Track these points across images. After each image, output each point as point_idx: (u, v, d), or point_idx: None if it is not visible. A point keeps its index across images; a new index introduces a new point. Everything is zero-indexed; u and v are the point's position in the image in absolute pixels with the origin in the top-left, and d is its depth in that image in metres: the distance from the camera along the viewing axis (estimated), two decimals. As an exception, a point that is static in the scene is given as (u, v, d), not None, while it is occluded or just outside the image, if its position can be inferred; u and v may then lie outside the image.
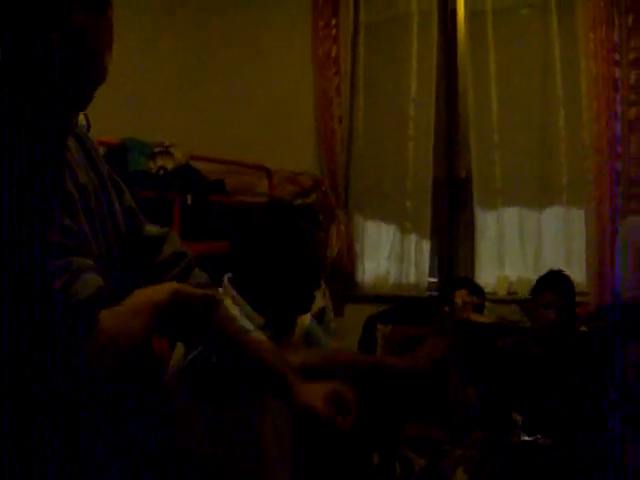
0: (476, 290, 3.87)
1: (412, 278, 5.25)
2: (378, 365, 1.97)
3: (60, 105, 1.19)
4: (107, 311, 1.24)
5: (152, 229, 1.70)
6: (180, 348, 2.06)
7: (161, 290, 1.40)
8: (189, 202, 3.85)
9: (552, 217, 4.97)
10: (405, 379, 1.96)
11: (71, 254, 1.18)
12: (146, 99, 4.77)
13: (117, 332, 1.25)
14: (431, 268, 5.29)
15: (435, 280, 5.28)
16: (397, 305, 4.85)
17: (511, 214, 5.06)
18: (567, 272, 4.68)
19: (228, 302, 2.11)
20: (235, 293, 2.13)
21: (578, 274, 4.80)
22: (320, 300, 4.31)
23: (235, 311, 2.07)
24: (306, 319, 2.41)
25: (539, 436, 3.31)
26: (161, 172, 3.60)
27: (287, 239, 2.14)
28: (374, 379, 2.00)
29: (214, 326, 1.67)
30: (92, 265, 1.22)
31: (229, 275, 2.20)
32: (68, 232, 1.22)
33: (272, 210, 2.28)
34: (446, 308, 3.74)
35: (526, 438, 3.29)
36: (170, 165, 3.62)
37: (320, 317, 3.91)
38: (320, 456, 3.03)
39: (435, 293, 5.00)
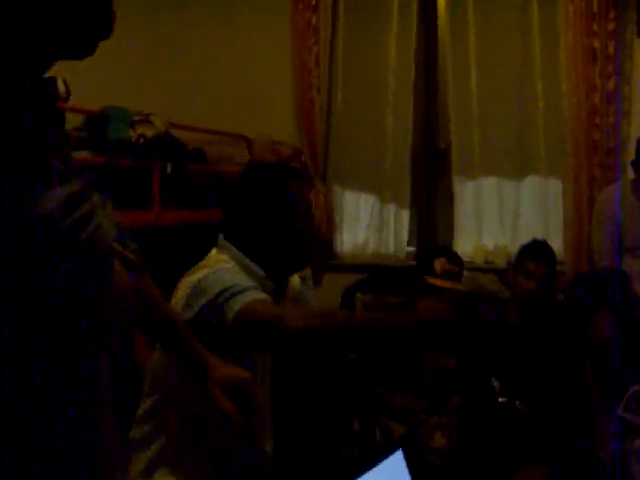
0: (455, 259, 3.90)
1: (391, 247, 5.28)
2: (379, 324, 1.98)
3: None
4: None
5: None
6: (177, 298, 2.08)
7: None
8: (169, 170, 3.84)
9: (530, 187, 5.01)
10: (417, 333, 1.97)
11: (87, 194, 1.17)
12: (127, 67, 4.74)
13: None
14: (410, 237, 5.32)
15: (414, 249, 5.30)
16: (376, 274, 4.87)
17: (489, 184, 5.10)
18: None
19: (225, 257, 2.13)
20: (234, 249, 2.15)
21: (555, 244, 4.82)
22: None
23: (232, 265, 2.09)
24: (297, 282, 2.44)
25: (517, 402, 3.36)
26: (141, 140, 3.58)
27: (275, 195, 2.17)
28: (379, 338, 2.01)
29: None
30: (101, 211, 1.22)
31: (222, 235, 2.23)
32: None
33: (258, 170, 2.32)
34: (429, 280, 3.76)
35: (503, 399, 3.34)
36: (150, 133, 3.61)
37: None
38: (301, 416, 3.07)
39: (414, 262, 5.02)
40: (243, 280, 2.02)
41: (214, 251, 2.19)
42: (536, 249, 3.74)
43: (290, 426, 2.84)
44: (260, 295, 1.99)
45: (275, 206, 2.17)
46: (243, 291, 1.96)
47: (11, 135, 1.04)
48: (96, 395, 1.24)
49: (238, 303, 1.92)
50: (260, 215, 2.17)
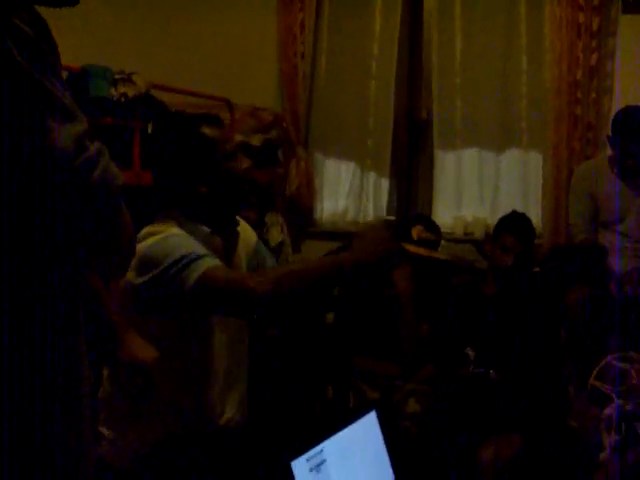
0: (432, 227, 3.91)
1: (370, 216, 5.28)
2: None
3: None
4: None
5: None
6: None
7: None
8: (149, 131, 3.83)
9: (511, 160, 5.02)
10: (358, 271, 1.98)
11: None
12: (109, 26, 4.70)
13: None
14: (389, 206, 5.33)
15: (393, 218, 5.31)
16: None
17: (470, 156, 5.10)
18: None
19: (170, 222, 2.12)
20: (174, 211, 2.15)
21: (534, 216, 4.85)
22: (278, 235, 4.33)
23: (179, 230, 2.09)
24: (252, 236, 2.44)
25: (491, 371, 3.39)
26: (122, 99, 3.57)
27: (195, 147, 2.17)
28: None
29: None
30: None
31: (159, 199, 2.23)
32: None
33: (169, 121, 2.35)
34: (405, 245, 3.78)
35: (477, 370, 3.37)
36: (131, 93, 3.59)
37: (278, 251, 3.94)
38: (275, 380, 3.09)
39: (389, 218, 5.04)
40: (194, 246, 2.02)
41: (160, 218, 2.17)
42: (514, 223, 3.75)
43: (264, 389, 2.86)
44: (215, 262, 1.99)
45: (190, 150, 2.16)
46: (197, 258, 1.95)
47: (18, 69, 1.05)
48: (76, 327, 1.26)
49: (196, 271, 1.92)
50: (179, 164, 2.16)
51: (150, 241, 2.04)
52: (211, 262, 1.96)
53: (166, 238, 2.04)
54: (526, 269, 3.71)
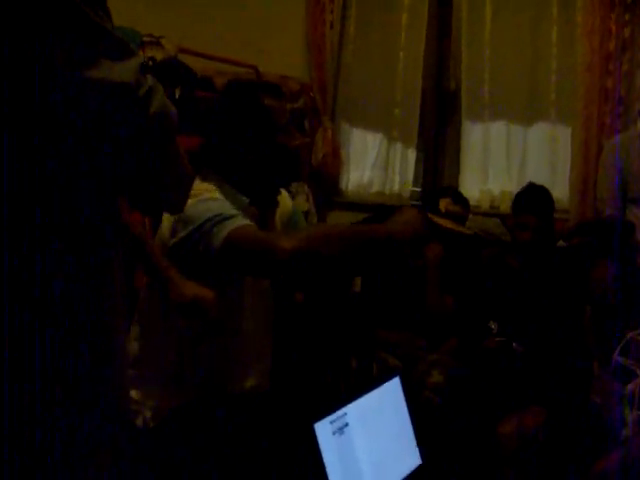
0: (460, 200, 3.88)
1: (396, 187, 5.27)
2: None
3: None
4: None
5: None
6: (166, 221, 2.08)
7: None
8: (177, 96, 3.81)
9: (539, 133, 4.99)
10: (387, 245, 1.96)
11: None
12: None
13: None
14: (415, 178, 5.30)
15: (419, 190, 5.29)
16: (380, 213, 4.86)
17: (498, 128, 5.07)
18: (549, 188, 4.75)
19: (209, 186, 2.12)
20: (217, 176, 2.15)
21: (561, 191, 4.84)
22: (304, 204, 4.33)
23: (218, 194, 2.09)
24: (289, 204, 2.44)
25: (514, 343, 3.38)
26: (150, 63, 3.55)
27: (248, 109, 2.16)
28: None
29: None
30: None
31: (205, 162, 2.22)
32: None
33: (231, 88, 2.30)
34: (431, 216, 3.76)
35: (500, 339, 3.36)
36: (160, 56, 3.57)
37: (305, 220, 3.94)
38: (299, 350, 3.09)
39: (417, 202, 5.02)
40: (227, 208, 2.01)
41: (198, 180, 2.15)
42: (531, 199, 3.69)
43: (289, 358, 2.86)
44: (245, 221, 1.97)
45: (249, 119, 2.15)
46: (230, 217, 1.94)
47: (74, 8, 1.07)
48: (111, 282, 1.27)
49: (226, 228, 1.90)
50: (236, 131, 2.15)
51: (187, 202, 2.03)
52: (241, 221, 1.95)
53: (202, 201, 2.03)
54: (546, 244, 3.68)
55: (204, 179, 2.16)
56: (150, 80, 1.15)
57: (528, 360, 3.40)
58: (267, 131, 2.16)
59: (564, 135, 4.86)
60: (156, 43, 3.60)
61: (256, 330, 2.25)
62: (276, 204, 2.33)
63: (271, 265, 1.88)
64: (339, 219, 5.04)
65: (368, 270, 3.39)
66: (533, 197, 3.71)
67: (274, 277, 2.31)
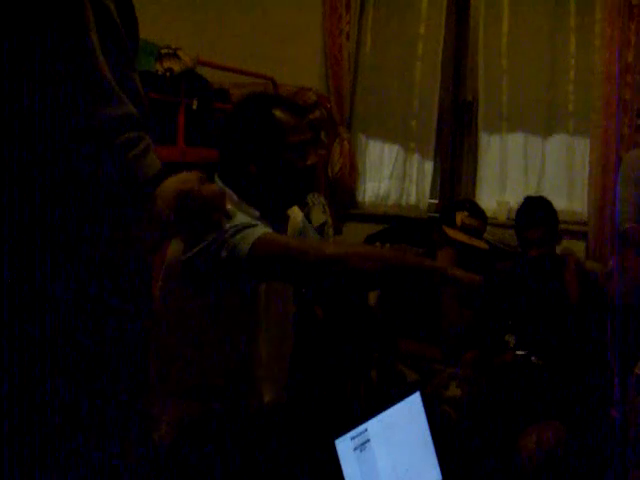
0: (477, 213, 3.84)
1: (413, 199, 5.25)
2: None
3: None
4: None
5: None
6: (175, 244, 2.06)
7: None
8: (194, 107, 3.81)
9: (556, 144, 4.95)
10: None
11: (143, 128, 1.20)
12: (155, 1, 4.68)
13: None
14: (432, 190, 5.28)
15: (436, 202, 5.27)
16: (397, 225, 4.85)
17: (515, 140, 5.03)
18: (567, 201, 4.73)
19: None
20: (229, 190, 2.13)
21: (579, 203, 4.81)
22: (320, 215, 4.31)
23: (231, 208, 2.08)
24: (299, 216, 2.43)
25: (532, 357, 3.35)
26: (167, 74, 3.55)
27: (261, 127, 2.14)
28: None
29: None
30: (151, 144, 1.24)
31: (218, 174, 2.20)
32: (143, 104, 1.23)
33: (246, 101, 2.28)
34: (446, 229, 3.74)
35: (520, 352, 3.33)
36: (177, 68, 3.57)
37: (320, 232, 3.93)
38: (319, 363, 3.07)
39: (434, 214, 5.00)
40: (246, 219, 2.01)
41: None
42: (535, 212, 3.67)
43: (307, 372, 2.85)
44: (269, 229, 1.98)
45: (261, 133, 2.13)
46: (252, 226, 1.94)
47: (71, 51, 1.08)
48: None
49: (251, 236, 1.90)
50: (248, 144, 2.13)
51: None
52: (266, 229, 1.95)
53: None
54: (552, 257, 3.66)
55: None
56: (138, 132, 1.16)
57: (547, 374, 3.38)
58: (275, 147, 2.14)
59: (582, 147, 4.82)
60: (173, 55, 3.61)
61: (272, 346, 2.23)
62: (287, 218, 2.32)
63: (303, 269, 1.88)
64: (356, 231, 5.03)
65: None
66: (538, 210, 3.68)
67: (304, 282, 2.30)
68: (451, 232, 3.70)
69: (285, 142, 2.15)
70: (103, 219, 1.15)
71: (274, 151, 2.14)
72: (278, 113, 2.16)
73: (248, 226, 1.93)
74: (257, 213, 2.13)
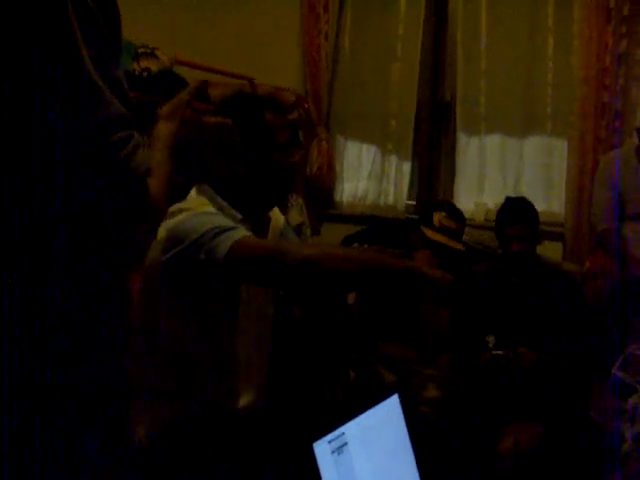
0: (455, 215, 3.84)
1: (390, 199, 5.24)
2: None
3: None
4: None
5: None
6: (156, 245, 2.04)
7: None
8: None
9: (534, 146, 4.96)
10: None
11: (131, 126, 1.20)
12: (132, 0, 4.64)
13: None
14: (410, 190, 5.28)
15: (413, 203, 5.27)
16: (374, 225, 4.85)
17: (493, 141, 5.03)
18: (545, 202, 4.74)
19: (205, 200, 2.10)
20: (211, 190, 2.13)
21: (556, 205, 4.82)
22: (298, 216, 4.30)
23: (212, 209, 2.07)
24: (280, 219, 2.42)
25: (510, 354, 3.36)
26: (145, 74, 3.53)
27: (251, 128, 2.14)
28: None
29: None
30: (143, 141, 1.23)
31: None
32: (129, 101, 1.23)
33: (233, 101, 2.26)
34: (423, 230, 3.74)
35: (498, 352, 3.34)
36: (155, 68, 3.55)
37: (297, 233, 3.91)
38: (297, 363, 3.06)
39: (412, 215, 5.00)
40: (226, 221, 2.01)
41: (193, 193, 2.16)
42: (517, 210, 3.69)
43: (286, 373, 2.84)
44: (248, 232, 1.98)
45: (249, 134, 2.12)
46: (232, 229, 1.94)
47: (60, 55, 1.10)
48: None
49: (230, 239, 1.90)
50: (228, 149, 2.13)
51: (180, 217, 2.02)
52: (244, 232, 1.94)
53: (197, 215, 2.02)
54: (533, 255, 3.68)
55: (198, 192, 2.15)
56: (128, 131, 1.17)
57: (526, 374, 3.38)
58: (266, 148, 2.13)
59: (560, 148, 4.83)
60: (151, 54, 3.58)
61: (251, 348, 2.22)
62: (268, 219, 2.32)
63: (280, 272, 1.88)
64: (333, 231, 5.02)
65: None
66: (520, 207, 3.70)
67: (281, 285, 2.30)
68: (428, 232, 3.70)
69: (274, 142, 2.15)
70: (98, 218, 1.15)
71: (264, 151, 2.13)
72: (266, 114, 2.15)
73: (227, 229, 1.93)
74: (240, 216, 2.12)
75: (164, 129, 1.61)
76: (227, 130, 1.95)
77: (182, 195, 2.16)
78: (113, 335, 1.25)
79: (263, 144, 2.13)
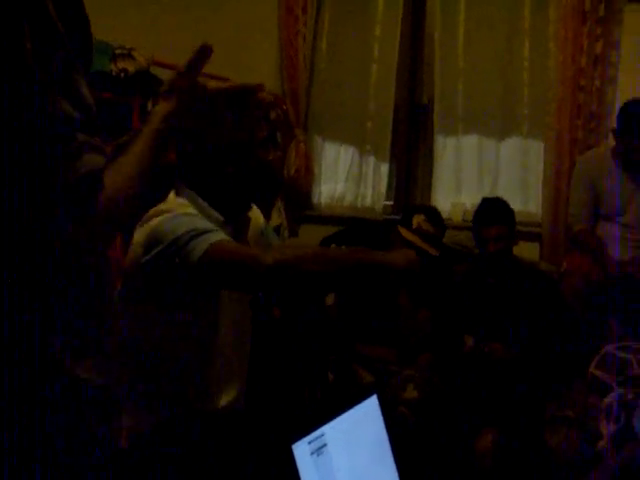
0: (435, 220, 3.84)
1: (368, 200, 5.25)
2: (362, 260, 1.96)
3: None
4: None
5: None
6: (134, 247, 2.04)
7: None
8: (149, 108, 3.78)
9: (511, 147, 4.99)
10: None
11: (78, 127, 1.17)
12: (109, 2, 4.63)
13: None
14: (388, 191, 5.29)
15: (391, 204, 5.28)
16: (352, 227, 4.85)
17: (470, 142, 5.06)
18: (522, 203, 4.77)
19: (184, 202, 2.09)
20: (191, 192, 2.11)
21: (533, 205, 4.85)
22: (277, 218, 4.30)
23: (192, 210, 2.06)
24: (260, 219, 2.41)
25: (486, 349, 3.38)
26: (122, 75, 3.52)
27: (233, 127, 2.11)
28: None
29: None
30: (97, 144, 1.21)
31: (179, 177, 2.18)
32: (83, 104, 1.20)
33: (213, 104, 2.24)
34: (400, 229, 3.75)
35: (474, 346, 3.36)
36: (132, 68, 3.54)
37: (276, 234, 3.91)
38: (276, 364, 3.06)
39: (390, 216, 5.02)
40: (205, 223, 2.00)
41: (172, 195, 2.14)
42: (494, 210, 3.71)
43: (265, 375, 2.83)
44: (224, 236, 1.97)
45: (234, 133, 2.11)
46: (208, 232, 1.93)
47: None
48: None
49: (205, 242, 1.89)
50: (221, 145, 2.12)
51: (159, 219, 2.00)
52: (220, 236, 1.93)
53: (176, 216, 2.01)
54: (510, 255, 3.70)
55: (177, 194, 2.13)
56: (81, 137, 1.15)
57: (502, 373, 3.41)
58: (247, 146, 2.13)
59: (537, 149, 4.86)
60: (128, 55, 3.58)
61: (231, 348, 2.22)
62: (248, 219, 2.31)
63: (252, 278, 1.87)
64: (311, 233, 5.01)
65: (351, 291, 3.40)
66: (496, 208, 3.72)
67: (254, 290, 2.29)
68: (404, 232, 3.71)
69: (255, 139, 2.14)
70: (41, 219, 1.13)
71: (247, 149, 2.13)
72: (245, 112, 2.14)
73: (204, 232, 1.92)
74: (221, 218, 2.11)
75: (159, 110, 1.53)
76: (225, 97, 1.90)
77: (171, 178, 2.13)
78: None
79: (245, 142, 2.12)
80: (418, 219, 3.76)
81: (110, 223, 1.33)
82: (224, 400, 2.19)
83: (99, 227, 1.27)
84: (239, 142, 2.11)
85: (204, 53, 1.62)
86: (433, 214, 3.89)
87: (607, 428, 2.74)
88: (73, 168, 1.16)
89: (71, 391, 1.18)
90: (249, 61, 5.05)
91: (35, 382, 1.11)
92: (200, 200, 2.11)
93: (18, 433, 1.10)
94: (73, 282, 1.19)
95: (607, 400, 2.78)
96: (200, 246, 1.88)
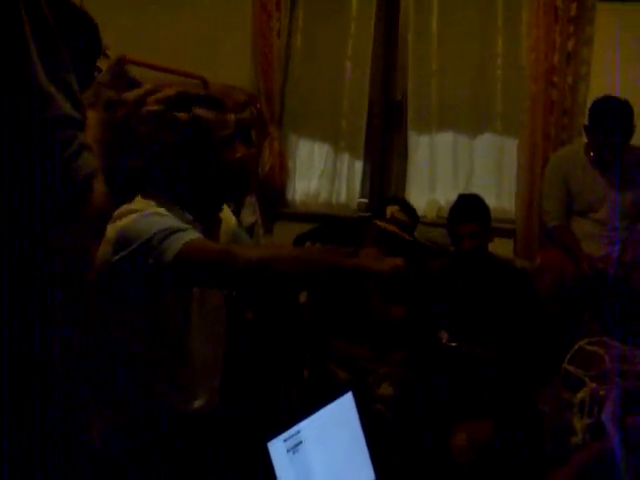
0: (408, 210, 3.87)
1: (343, 198, 5.25)
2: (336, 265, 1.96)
3: None
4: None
5: None
6: (105, 246, 2.02)
7: None
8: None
9: (485, 144, 5.01)
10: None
11: (78, 127, 1.18)
12: (83, 2, 4.60)
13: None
14: (362, 188, 5.30)
15: (366, 201, 5.29)
16: (327, 224, 4.86)
17: (445, 139, 5.07)
18: (496, 199, 4.80)
19: (152, 203, 2.07)
20: (156, 194, 2.09)
21: (507, 202, 4.87)
22: (251, 216, 4.29)
23: (163, 211, 2.04)
24: (231, 220, 2.40)
25: (462, 347, 3.40)
26: (96, 74, 3.49)
27: (187, 127, 2.09)
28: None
29: None
30: (89, 145, 1.22)
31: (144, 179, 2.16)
32: (78, 102, 1.21)
33: (169, 104, 2.23)
34: (375, 221, 3.77)
35: (452, 344, 3.38)
36: (105, 67, 3.51)
37: (250, 233, 3.90)
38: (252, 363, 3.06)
39: (365, 213, 5.02)
40: (177, 222, 1.97)
41: (139, 197, 2.09)
42: (470, 207, 3.74)
43: (240, 374, 2.83)
44: (198, 235, 1.95)
45: (188, 133, 2.07)
46: (182, 230, 1.91)
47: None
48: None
49: (179, 241, 1.87)
50: (178, 146, 2.08)
51: (129, 218, 1.98)
52: (193, 234, 1.92)
53: (146, 215, 1.98)
54: (484, 252, 3.73)
55: (144, 197, 2.10)
56: (71, 131, 1.15)
57: (478, 370, 3.42)
58: (207, 146, 2.10)
59: (510, 146, 4.88)
60: (102, 54, 3.54)
61: (205, 348, 2.21)
62: (219, 221, 2.29)
63: (228, 275, 1.87)
64: (286, 230, 5.01)
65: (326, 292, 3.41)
66: (472, 205, 3.74)
67: (229, 288, 2.28)
68: (380, 223, 3.72)
69: (212, 138, 2.12)
70: (42, 218, 1.13)
71: (204, 149, 2.10)
72: (199, 111, 2.11)
73: (177, 230, 1.90)
74: (190, 217, 2.10)
75: (91, 119, 1.55)
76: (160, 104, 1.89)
77: (141, 181, 2.11)
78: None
79: (200, 142, 2.10)
80: (392, 209, 3.78)
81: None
82: (200, 400, 2.18)
83: (88, 228, 1.29)
84: (194, 142, 2.09)
85: (119, 67, 1.70)
86: (406, 205, 3.92)
87: (580, 423, 2.77)
88: (73, 168, 1.17)
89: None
90: (223, 59, 5.05)
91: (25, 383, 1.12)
92: (166, 202, 2.08)
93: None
94: (62, 283, 1.20)
95: (580, 395, 2.81)
96: (174, 245, 1.86)
